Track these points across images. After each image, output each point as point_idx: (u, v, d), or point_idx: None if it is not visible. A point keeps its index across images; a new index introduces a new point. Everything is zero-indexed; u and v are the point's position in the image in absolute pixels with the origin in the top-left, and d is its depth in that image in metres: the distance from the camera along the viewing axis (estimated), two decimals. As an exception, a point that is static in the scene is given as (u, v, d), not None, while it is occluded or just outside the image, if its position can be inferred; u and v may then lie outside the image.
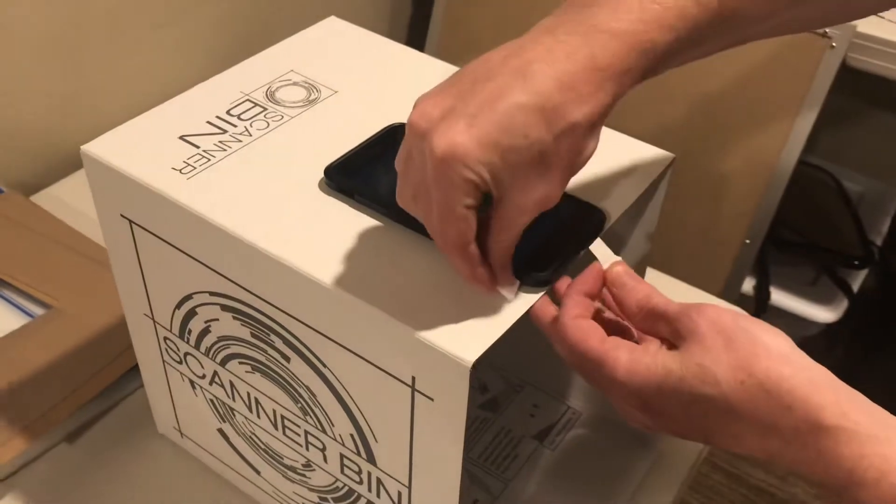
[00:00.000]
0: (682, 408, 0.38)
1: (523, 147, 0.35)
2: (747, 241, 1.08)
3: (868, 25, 0.96)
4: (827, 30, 0.94)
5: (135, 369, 0.63)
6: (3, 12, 0.79)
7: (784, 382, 0.35)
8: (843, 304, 1.30)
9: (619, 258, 0.43)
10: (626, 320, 0.42)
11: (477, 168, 0.35)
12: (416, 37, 1.31)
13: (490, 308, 0.40)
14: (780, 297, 1.30)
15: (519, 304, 0.41)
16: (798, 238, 1.30)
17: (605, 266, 0.42)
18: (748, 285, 1.23)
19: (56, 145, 0.88)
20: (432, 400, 0.40)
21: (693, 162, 1.07)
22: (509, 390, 0.68)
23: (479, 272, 0.39)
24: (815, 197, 1.36)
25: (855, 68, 0.98)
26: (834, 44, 0.94)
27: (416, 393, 0.41)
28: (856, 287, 1.32)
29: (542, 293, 0.41)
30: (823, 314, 1.30)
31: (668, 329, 0.39)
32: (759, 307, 1.29)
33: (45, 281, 0.71)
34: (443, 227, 0.38)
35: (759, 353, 0.36)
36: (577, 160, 0.38)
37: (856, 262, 1.30)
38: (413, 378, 0.40)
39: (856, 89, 1.36)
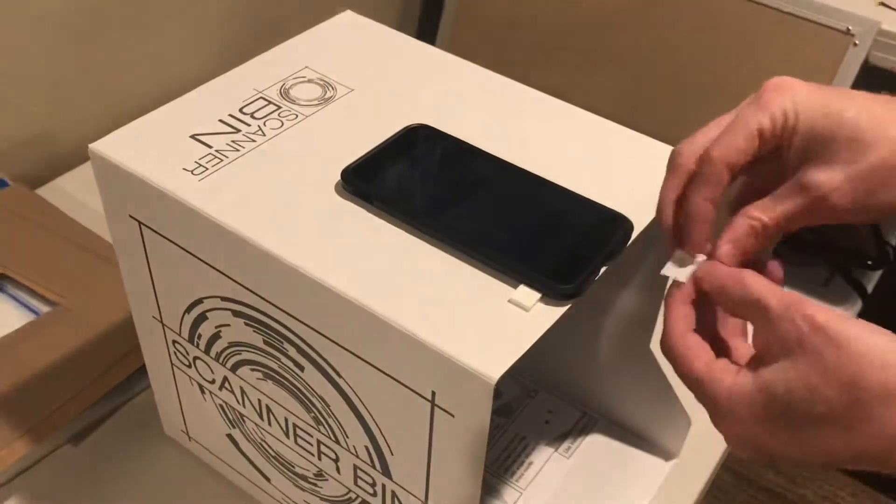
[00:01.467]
0: (787, 427, 0.35)
1: None
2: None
3: (891, 23, 0.93)
4: (850, 27, 0.92)
5: (142, 369, 0.62)
6: (12, 5, 0.77)
7: None
8: (857, 305, 1.28)
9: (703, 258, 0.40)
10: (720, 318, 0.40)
11: None
12: (427, 29, 1.29)
13: (514, 322, 0.39)
14: (793, 297, 1.28)
15: (543, 318, 0.39)
16: (811, 237, 1.28)
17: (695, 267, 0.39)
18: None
19: (62, 138, 0.87)
20: (453, 416, 0.39)
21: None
22: (523, 395, 0.67)
23: None
24: (829, 195, 1.34)
25: (877, 66, 0.96)
26: (857, 41, 0.92)
27: (435, 408, 0.39)
28: (870, 288, 1.30)
29: (568, 306, 0.40)
30: (837, 314, 1.28)
31: (771, 334, 0.35)
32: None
33: (51, 277, 0.70)
34: None
35: (872, 365, 0.32)
36: None
37: (870, 263, 1.28)
38: (433, 393, 0.39)
39: (875, 87, 1.34)
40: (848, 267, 1.32)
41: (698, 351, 0.37)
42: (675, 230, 0.41)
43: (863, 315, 1.28)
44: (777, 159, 0.39)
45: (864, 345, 0.33)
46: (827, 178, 0.37)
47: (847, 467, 0.36)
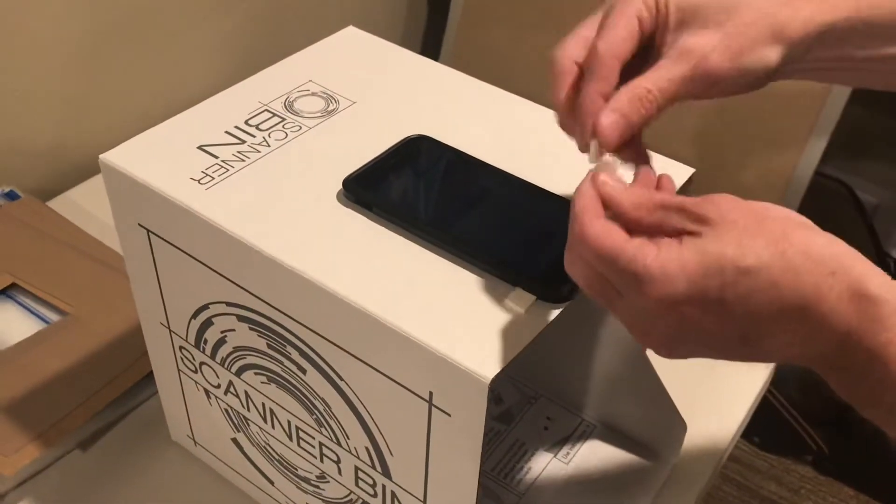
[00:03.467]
0: (719, 295, 0.34)
1: None
2: (762, 253, 1.08)
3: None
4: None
5: (149, 376, 0.63)
6: (22, 19, 0.79)
7: (825, 249, 0.34)
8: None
9: (605, 160, 0.40)
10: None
11: None
12: (431, 44, 1.31)
13: (509, 324, 0.40)
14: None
15: (538, 319, 0.40)
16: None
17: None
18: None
19: (73, 150, 0.89)
20: (449, 415, 0.40)
21: (708, 174, 1.06)
22: (523, 401, 0.68)
23: None
24: (829, 208, 1.35)
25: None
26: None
27: (433, 408, 0.41)
28: (871, 299, 1.31)
29: (562, 308, 0.41)
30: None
31: (687, 217, 0.35)
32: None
33: (61, 287, 0.71)
34: None
35: (793, 225, 0.34)
36: None
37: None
38: (430, 393, 0.40)
39: (871, 100, 1.35)
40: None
41: (617, 229, 0.36)
42: (576, 131, 0.41)
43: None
44: (653, 57, 0.41)
45: (776, 210, 0.35)
46: (704, 40, 0.39)
47: (765, 353, 0.35)
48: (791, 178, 1.02)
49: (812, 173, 1.02)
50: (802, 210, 1.06)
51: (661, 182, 0.40)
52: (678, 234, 0.36)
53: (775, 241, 0.34)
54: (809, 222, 0.35)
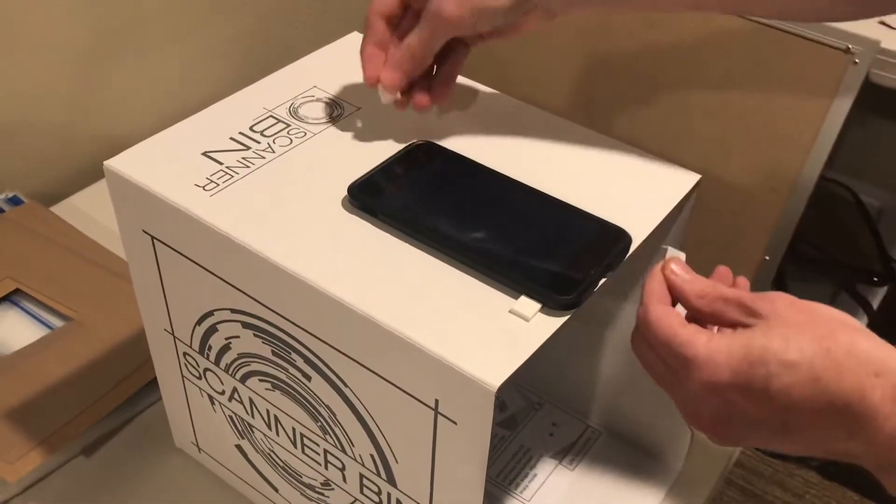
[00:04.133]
0: (764, 384, 0.36)
1: None
2: (766, 258, 1.07)
3: (892, 41, 0.95)
4: (850, 45, 0.93)
5: (153, 382, 0.63)
6: (25, 23, 0.79)
7: (871, 350, 0.35)
8: (863, 321, 1.29)
9: (674, 252, 0.44)
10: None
11: None
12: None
13: (515, 332, 0.40)
14: (798, 314, 1.29)
15: (543, 328, 0.40)
16: (816, 253, 1.28)
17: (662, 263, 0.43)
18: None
19: (77, 156, 0.89)
20: (455, 423, 0.40)
21: (713, 177, 1.06)
22: (528, 408, 0.67)
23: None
24: (833, 211, 1.35)
25: (878, 84, 0.97)
26: (857, 60, 0.93)
27: (439, 416, 0.40)
28: (875, 304, 1.31)
29: (567, 316, 0.41)
30: (842, 331, 1.28)
31: (742, 311, 0.39)
32: (777, 323, 1.27)
33: (65, 293, 0.71)
34: None
35: (841, 326, 0.36)
36: None
37: (875, 279, 1.28)
38: (436, 401, 0.40)
39: (875, 104, 1.35)
40: (853, 283, 1.32)
41: (676, 314, 0.40)
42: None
43: (868, 329, 1.28)
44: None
45: (828, 311, 0.38)
46: None
47: (805, 445, 0.37)
48: (796, 183, 1.02)
49: (817, 177, 1.02)
50: (807, 214, 1.06)
51: (736, 281, 0.44)
52: (733, 325, 0.39)
53: (821, 337, 0.36)
54: (860, 325, 0.37)
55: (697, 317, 0.41)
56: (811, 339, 0.36)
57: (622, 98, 1.11)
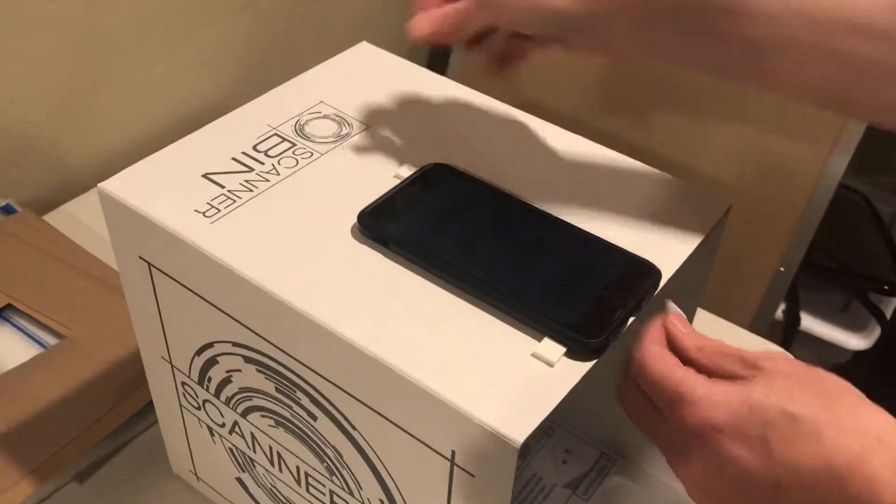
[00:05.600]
0: (762, 432, 0.35)
1: None
2: (781, 269, 1.05)
3: None
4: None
5: (149, 404, 0.61)
6: (19, 31, 0.76)
7: (874, 416, 0.34)
8: (875, 331, 1.27)
9: (676, 309, 0.42)
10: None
11: None
12: (440, 54, 1.27)
13: (538, 379, 0.37)
14: (809, 323, 1.27)
15: (569, 375, 0.37)
16: (829, 262, 1.26)
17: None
18: (777, 310, 1.20)
19: (71, 163, 0.86)
20: (473, 476, 0.37)
21: (726, 185, 1.03)
22: (540, 434, 0.65)
23: None
24: (847, 219, 1.32)
25: None
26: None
27: (455, 467, 0.38)
28: (888, 313, 1.28)
29: (595, 361, 0.38)
30: (854, 341, 1.26)
31: (743, 365, 0.38)
32: (789, 333, 1.25)
33: (59, 308, 0.68)
34: None
35: (845, 390, 0.36)
36: None
37: (887, 288, 1.26)
38: (453, 452, 0.37)
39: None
40: (866, 292, 1.30)
41: (672, 356, 0.39)
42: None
43: (881, 339, 1.26)
44: None
45: (832, 376, 0.37)
46: None
47: (809, 495, 0.35)
48: (813, 194, 0.99)
49: (836, 187, 0.99)
50: (821, 221, 1.03)
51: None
52: (731, 377, 0.37)
53: (826, 395, 0.35)
54: (861, 394, 0.36)
55: (695, 369, 0.39)
56: (815, 394, 0.35)
57: (634, 104, 1.08)
